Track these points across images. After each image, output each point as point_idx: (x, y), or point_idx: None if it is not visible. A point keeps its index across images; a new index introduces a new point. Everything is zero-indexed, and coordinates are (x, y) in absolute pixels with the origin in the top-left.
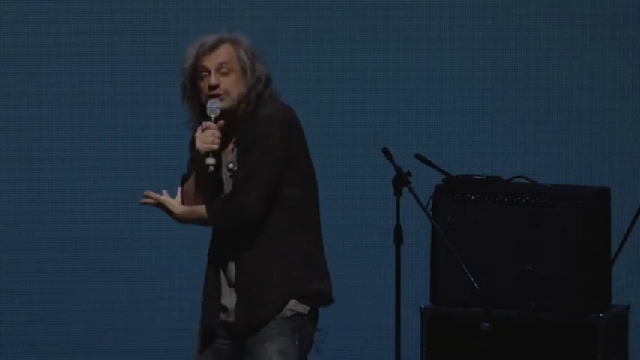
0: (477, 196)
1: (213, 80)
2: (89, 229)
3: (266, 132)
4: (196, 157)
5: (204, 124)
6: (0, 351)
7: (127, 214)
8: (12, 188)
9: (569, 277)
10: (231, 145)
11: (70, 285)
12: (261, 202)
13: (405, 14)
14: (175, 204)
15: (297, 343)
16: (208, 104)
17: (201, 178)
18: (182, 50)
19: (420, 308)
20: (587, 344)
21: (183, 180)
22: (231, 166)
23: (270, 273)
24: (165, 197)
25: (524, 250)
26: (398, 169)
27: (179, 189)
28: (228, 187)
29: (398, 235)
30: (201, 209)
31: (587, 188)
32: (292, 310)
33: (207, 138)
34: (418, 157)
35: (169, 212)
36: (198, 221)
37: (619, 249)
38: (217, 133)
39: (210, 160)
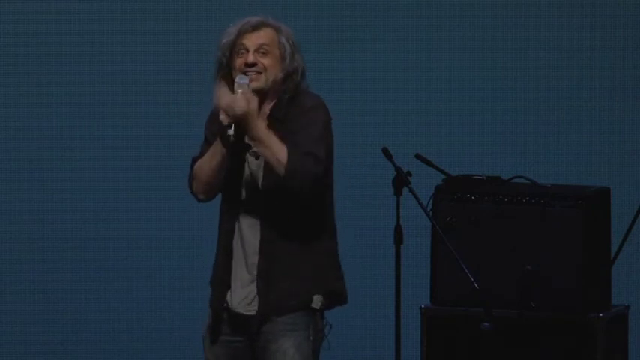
0: (477, 196)
1: (250, 58)
2: (89, 229)
3: (318, 118)
4: (219, 128)
5: (238, 82)
6: (0, 351)
7: (127, 214)
8: (12, 188)
9: (569, 277)
10: None
11: (70, 285)
12: (325, 167)
13: (404, 14)
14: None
15: (311, 338)
16: (237, 79)
17: (220, 150)
18: (184, 50)
19: (420, 308)
20: (587, 344)
21: (194, 162)
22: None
23: (300, 266)
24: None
25: (524, 250)
26: (398, 169)
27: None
28: (251, 167)
29: (398, 235)
30: (282, 149)
31: (587, 188)
32: (311, 305)
33: (240, 102)
34: (418, 157)
35: (249, 119)
36: (269, 153)
37: (619, 249)
38: (250, 95)
39: (231, 131)
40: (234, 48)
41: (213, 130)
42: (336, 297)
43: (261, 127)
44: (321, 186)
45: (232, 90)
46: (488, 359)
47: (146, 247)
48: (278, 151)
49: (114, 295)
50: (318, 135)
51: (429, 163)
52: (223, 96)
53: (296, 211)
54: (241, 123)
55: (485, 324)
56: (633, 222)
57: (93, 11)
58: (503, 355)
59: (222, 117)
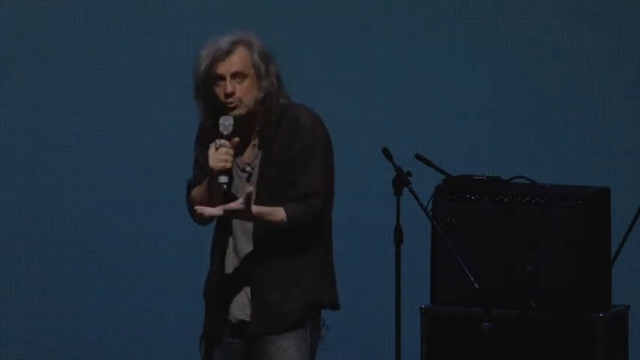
0: (477, 196)
1: (229, 89)
2: (89, 229)
3: (318, 143)
4: (209, 172)
5: (218, 141)
6: (0, 351)
7: (127, 214)
8: (12, 188)
9: (569, 277)
10: (248, 146)
11: (70, 285)
12: (325, 206)
13: (405, 14)
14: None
15: (309, 339)
16: (221, 121)
17: (213, 190)
18: (183, 49)
19: (420, 308)
20: (587, 344)
21: (189, 186)
22: (248, 169)
23: (291, 284)
24: (234, 205)
25: (524, 250)
26: (398, 169)
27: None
28: (240, 186)
29: (398, 235)
30: (278, 211)
31: (587, 188)
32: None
33: (220, 156)
34: (418, 157)
35: (243, 213)
36: (271, 222)
37: (619, 249)
38: (231, 151)
39: (224, 179)
40: (210, 76)
41: (203, 150)
42: (326, 308)
43: (255, 212)
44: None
45: (216, 117)
46: (488, 359)
47: (146, 247)
48: (278, 218)
49: (114, 295)
50: (319, 165)
51: (429, 163)
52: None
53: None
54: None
55: (485, 324)
56: (633, 222)
57: (93, 11)
58: (503, 355)
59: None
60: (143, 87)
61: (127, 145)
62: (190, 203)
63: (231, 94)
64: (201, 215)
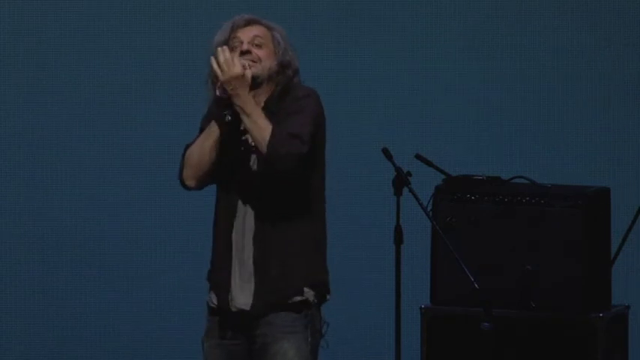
0: (477, 196)
1: (245, 47)
2: (89, 229)
3: (308, 106)
4: (215, 111)
5: (223, 47)
6: (0, 351)
7: (126, 214)
8: (12, 188)
9: (569, 277)
10: None
11: (70, 285)
12: (309, 145)
13: (405, 14)
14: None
15: (309, 339)
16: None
17: (214, 131)
18: (183, 49)
19: (420, 308)
20: (587, 344)
21: (187, 148)
22: (252, 142)
23: (291, 257)
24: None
25: (524, 250)
26: (398, 169)
27: None
28: (244, 159)
29: (398, 235)
30: (267, 125)
31: (587, 188)
32: (303, 297)
33: (237, 65)
34: (418, 157)
35: (241, 86)
36: (255, 129)
37: (619, 249)
38: (245, 62)
39: (229, 110)
40: (229, 44)
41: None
42: (322, 287)
43: (250, 100)
44: (307, 169)
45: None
46: (488, 359)
47: (146, 247)
48: (263, 127)
49: (114, 295)
50: (305, 118)
51: (429, 163)
52: (221, 55)
53: (289, 202)
54: (232, 88)
55: (485, 324)
56: (633, 222)
57: (93, 11)
58: (503, 355)
59: (219, 91)
60: (143, 87)
61: (127, 145)
62: (183, 164)
63: (248, 52)
64: (190, 168)
